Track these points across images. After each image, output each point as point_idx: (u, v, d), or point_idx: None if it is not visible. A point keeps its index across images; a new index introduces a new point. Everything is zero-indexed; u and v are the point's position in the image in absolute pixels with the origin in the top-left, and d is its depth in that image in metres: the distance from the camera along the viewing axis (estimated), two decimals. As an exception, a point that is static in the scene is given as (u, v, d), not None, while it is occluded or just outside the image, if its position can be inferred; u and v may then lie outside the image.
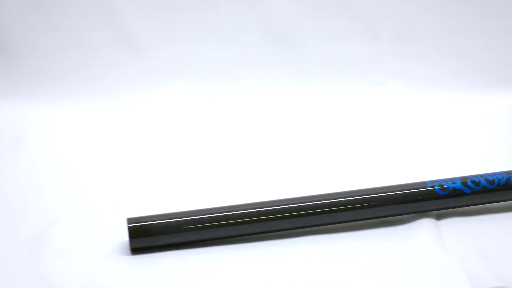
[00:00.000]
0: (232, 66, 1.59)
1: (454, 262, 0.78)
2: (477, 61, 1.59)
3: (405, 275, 0.76)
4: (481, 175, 0.90)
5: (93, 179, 1.08)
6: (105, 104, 1.43)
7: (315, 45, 1.63)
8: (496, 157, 1.17)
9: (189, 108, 1.48)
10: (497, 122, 1.39)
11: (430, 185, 0.89)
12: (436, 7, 1.59)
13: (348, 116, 1.45)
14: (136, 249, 0.82)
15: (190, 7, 1.60)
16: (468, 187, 0.89)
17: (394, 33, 1.61)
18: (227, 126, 1.38)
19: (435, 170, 1.07)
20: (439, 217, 0.90)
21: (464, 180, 0.89)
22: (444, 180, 0.90)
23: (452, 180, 0.89)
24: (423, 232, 0.86)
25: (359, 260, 0.81)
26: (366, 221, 0.90)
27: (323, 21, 1.60)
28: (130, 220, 0.82)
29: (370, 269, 0.78)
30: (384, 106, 1.50)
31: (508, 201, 0.93)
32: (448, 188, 0.88)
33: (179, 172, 1.12)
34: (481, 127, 1.37)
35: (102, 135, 1.27)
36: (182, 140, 1.28)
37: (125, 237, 0.83)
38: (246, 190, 1.01)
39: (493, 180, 0.89)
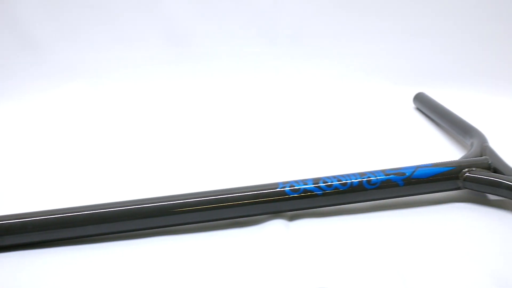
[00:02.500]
0: (130, 67, 1.60)
1: (295, 262, 0.76)
2: (371, 62, 1.61)
3: (247, 275, 0.75)
4: (334, 176, 0.89)
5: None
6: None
7: (213, 46, 1.64)
8: (384, 151, 1.20)
9: (86, 107, 1.50)
10: (389, 119, 1.43)
11: (281, 186, 0.88)
12: (330, 9, 1.61)
13: (240, 112, 1.50)
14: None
15: (89, 9, 1.61)
16: (320, 188, 0.88)
17: (290, 34, 1.62)
18: (123, 124, 1.40)
19: (301, 168, 1.10)
20: (292, 218, 0.89)
21: (316, 181, 0.88)
22: (296, 181, 0.89)
23: (305, 181, 0.88)
24: (269, 233, 0.84)
25: (206, 261, 0.79)
26: (220, 221, 0.88)
27: (221, 22, 1.62)
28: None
29: (215, 270, 0.77)
30: (277, 104, 1.54)
31: (362, 203, 0.91)
32: (299, 189, 0.88)
33: (60, 171, 1.13)
34: (375, 124, 1.40)
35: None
36: (75, 138, 1.31)
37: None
38: (124, 190, 1.01)
39: (346, 182, 0.88)
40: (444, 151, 1.12)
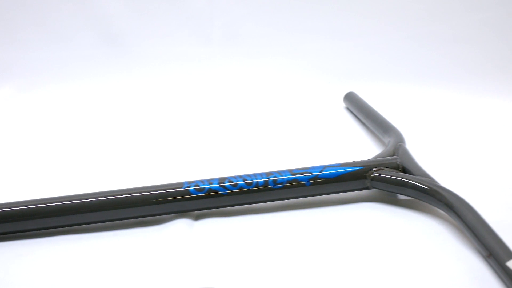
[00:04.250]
0: (65, 66, 1.59)
1: (192, 262, 0.76)
2: (306, 61, 1.62)
3: (145, 274, 0.74)
4: (240, 176, 0.89)
5: None
6: None
7: (147, 45, 1.64)
8: (307, 151, 1.21)
9: (15, 109, 1.49)
10: (319, 119, 1.44)
11: (186, 185, 0.87)
12: (265, 9, 1.61)
13: (174, 111, 1.51)
14: None
15: (21, 8, 1.58)
16: (225, 188, 0.87)
17: (225, 33, 1.62)
18: (55, 125, 1.40)
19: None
20: (198, 217, 0.88)
21: (222, 181, 0.88)
22: (201, 181, 0.88)
23: (210, 180, 0.88)
24: (171, 233, 0.84)
25: (106, 260, 0.78)
26: (124, 221, 0.87)
27: (155, 21, 1.62)
28: None
29: (115, 269, 0.76)
30: (211, 103, 1.56)
31: (270, 202, 0.91)
32: (203, 188, 0.87)
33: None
34: (304, 123, 1.41)
35: None
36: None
37: None
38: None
39: (251, 181, 0.88)
40: (364, 150, 1.12)
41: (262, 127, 1.38)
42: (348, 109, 1.45)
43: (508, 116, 1.40)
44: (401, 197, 0.93)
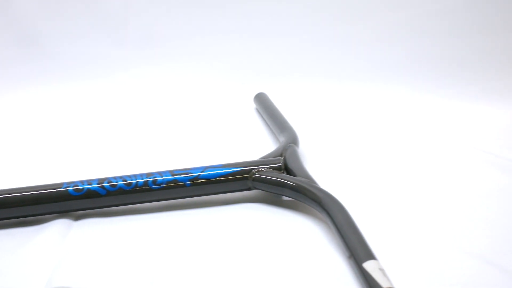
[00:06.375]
0: None
1: (65, 262, 0.77)
2: (220, 62, 1.64)
3: (20, 275, 0.75)
4: (121, 176, 0.90)
5: None
6: None
7: (63, 46, 1.63)
8: (209, 151, 1.23)
9: None
10: (228, 119, 1.48)
11: (65, 185, 0.88)
12: (181, 10, 1.62)
13: (89, 112, 1.53)
14: None
15: None
16: (104, 188, 0.88)
17: (141, 35, 1.63)
18: None
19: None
20: (78, 218, 0.89)
21: (101, 181, 0.88)
22: (81, 181, 0.89)
23: (90, 181, 0.89)
24: (49, 233, 0.84)
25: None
26: (4, 221, 0.87)
27: (72, 22, 1.61)
28: None
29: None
30: (125, 104, 1.58)
31: (151, 202, 0.93)
32: (82, 189, 0.88)
33: None
34: (212, 124, 1.44)
35: None
36: None
37: None
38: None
39: (131, 182, 0.89)
40: (262, 151, 1.14)
41: (173, 127, 1.40)
42: (257, 109, 1.47)
43: (417, 117, 1.45)
44: (285, 198, 0.94)
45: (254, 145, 1.25)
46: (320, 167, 1.07)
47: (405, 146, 1.23)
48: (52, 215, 0.89)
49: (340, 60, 1.65)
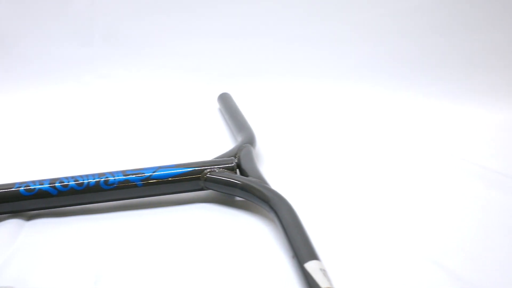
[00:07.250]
0: None
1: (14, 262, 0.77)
2: (187, 62, 1.65)
3: None
4: (73, 176, 0.91)
5: None
6: None
7: (27, 46, 1.63)
8: (168, 152, 1.24)
9: None
10: (190, 120, 1.48)
11: (17, 185, 0.89)
12: (148, 10, 1.63)
13: (54, 113, 1.53)
14: None
15: None
16: (55, 188, 0.89)
17: (106, 34, 1.63)
18: None
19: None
20: (30, 218, 0.90)
21: (53, 182, 0.89)
22: (33, 181, 0.89)
23: (41, 181, 0.89)
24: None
25: None
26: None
27: (36, 22, 1.61)
28: None
29: None
30: (90, 105, 1.59)
31: (104, 202, 0.94)
32: (34, 189, 0.89)
33: None
34: (173, 124, 1.45)
35: None
36: None
37: None
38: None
39: (82, 182, 0.90)
40: (221, 151, 1.15)
41: (137, 127, 1.42)
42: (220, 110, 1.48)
43: (391, 117, 1.46)
44: (238, 198, 0.95)
45: (213, 145, 1.25)
46: (277, 168, 1.09)
47: (374, 148, 1.22)
48: (5, 215, 0.89)
49: (315, 59, 1.66)
